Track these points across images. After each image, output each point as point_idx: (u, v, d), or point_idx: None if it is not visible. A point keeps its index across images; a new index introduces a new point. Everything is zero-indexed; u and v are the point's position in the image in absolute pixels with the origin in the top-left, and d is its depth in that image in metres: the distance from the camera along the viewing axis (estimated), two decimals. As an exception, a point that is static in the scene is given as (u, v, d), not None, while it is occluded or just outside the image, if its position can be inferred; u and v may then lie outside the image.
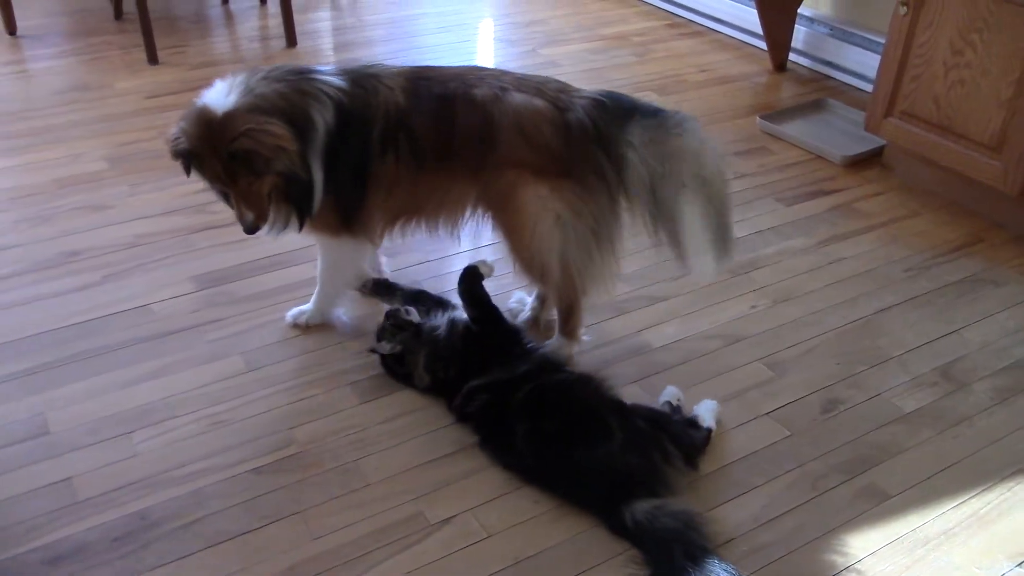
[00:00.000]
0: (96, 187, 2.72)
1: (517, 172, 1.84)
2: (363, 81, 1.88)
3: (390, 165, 1.88)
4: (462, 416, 1.89)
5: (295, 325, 2.16)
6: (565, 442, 1.74)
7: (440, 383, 1.94)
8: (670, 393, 1.93)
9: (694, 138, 1.82)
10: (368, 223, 1.98)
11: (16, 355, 2.04)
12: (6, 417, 1.88)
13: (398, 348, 1.95)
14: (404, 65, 1.96)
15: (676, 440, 1.77)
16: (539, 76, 1.94)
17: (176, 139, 1.78)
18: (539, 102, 1.84)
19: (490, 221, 1.96)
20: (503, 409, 1.81)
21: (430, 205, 1.98)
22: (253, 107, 1.75)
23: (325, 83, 1.84)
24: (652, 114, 1.85)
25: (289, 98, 1.80)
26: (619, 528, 1.66)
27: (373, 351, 1.99)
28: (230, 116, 1.73)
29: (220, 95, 1.77)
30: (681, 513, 1.65)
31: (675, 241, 1.87)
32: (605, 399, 1.83)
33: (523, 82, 1.89)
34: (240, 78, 1.81)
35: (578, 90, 1.90)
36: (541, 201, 1.84)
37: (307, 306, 2.17)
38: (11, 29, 3.78)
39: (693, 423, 1.86)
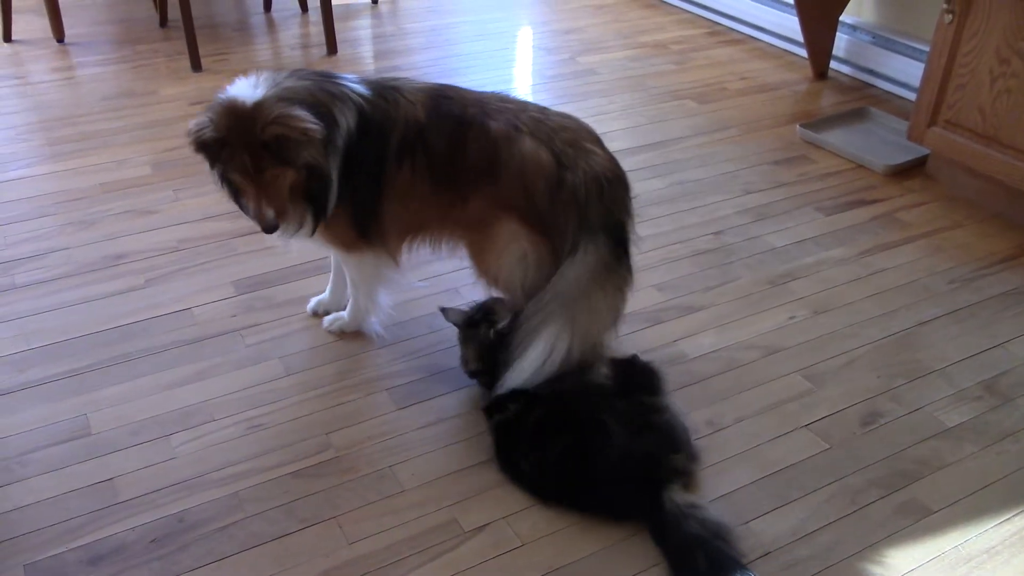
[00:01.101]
0: (140, 192, 2.76)
1: (506, 211, 1.85)
2: (385, 92, 1.89)
3: (406, 176, 1.88)
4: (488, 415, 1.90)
5: (330, 331, 2.18)
6: (578, 458, 1.73)
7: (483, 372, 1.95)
8: None
9: (617, 306, 1.88)
10: (383, 235, 1.98)
11: (60, 356, 2.08)
12: (50, 417, 1.91)
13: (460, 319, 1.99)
14: (427, 82, 1.97)
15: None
16: (560, 117, 1.89)
17: (201, 128, 1.76)
18: (544, 154, 1.81)
19: (463, 242, 1.98)
20: (519, 430, 1.80)
21: (434, 223, 1.98)
22: (283, 98, 1.76)
23: (349, 88, 1.86)
24: (625, 244, 1.85)
25: (316, 95, 1.81)
26: (658, 525, 1.66)
27: (444, 310, 2.04)
28: (261, 105, 1.73)
29: (247, 88, 1.78)
30: (712, 523, 1.65)
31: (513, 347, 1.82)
32: (593, 398, 1.83)
33: (540, 125, 1.84)
34: (265, 75, 1.82)
35: (592, 148, 1.85)
36: (513, 235, 1.86)
37: (343, 313, 2.19)
38: (59, 36, 3.86)
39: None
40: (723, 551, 1.60)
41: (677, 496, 1.68)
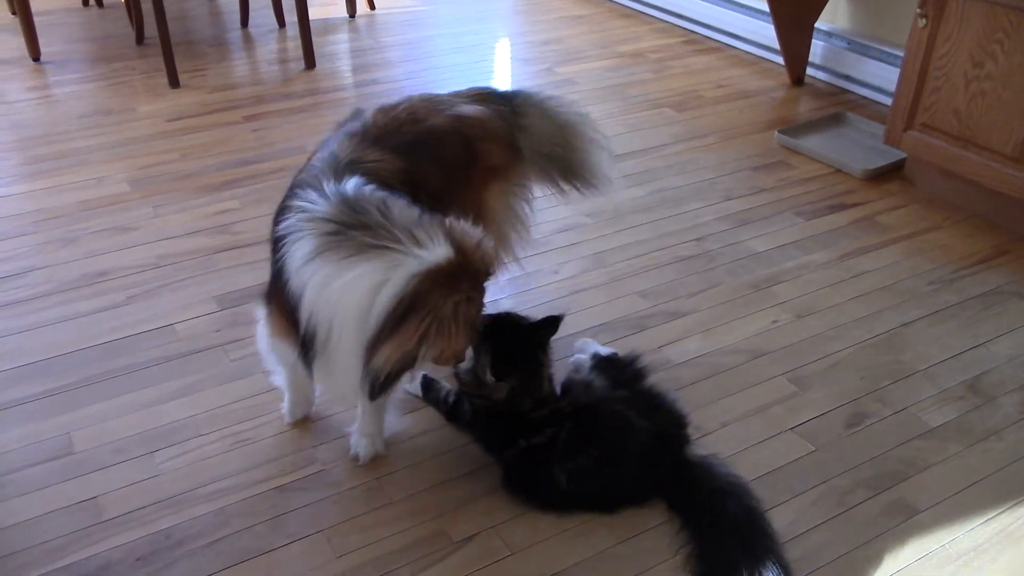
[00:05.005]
0: (120, 209, 2.74)
1: (483, 179, 1.89)
2: (356, 170, 1.64)
3: None
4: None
5: (377, 456, 1.86)
6: (609, 458, 1.74)
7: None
8: (588, 348, 2.07)
9: (572, 111, 2.06)
10: None
11: (42, 375, 2.06)
12: (32, 437, 1.89)
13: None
14: (344, 137, 1.75)
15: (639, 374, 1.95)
16: (429, 94, 1.95)
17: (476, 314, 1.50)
18: (479, 106, 1.91)
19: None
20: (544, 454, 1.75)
21: None
22: (450, 234, 1.50)
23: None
24: (531, 95, 2.04)
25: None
26: (686, 476, 1.76)
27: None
28: (458, 258, 1.46)
29: (423, 254, 1.44)
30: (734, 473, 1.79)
31: (588, 179, 2.07)
32: (603, 395, 1.85)
33: (438, 97, 1.92)
34: (384, 233, 1.46)
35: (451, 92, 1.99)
36: (502, 193, 1.94)
37: (359, 437, 1.86)
38: (35, 55, 3.84)
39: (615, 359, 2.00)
40: (751, 501, 1.70)
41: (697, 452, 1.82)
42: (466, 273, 1.46)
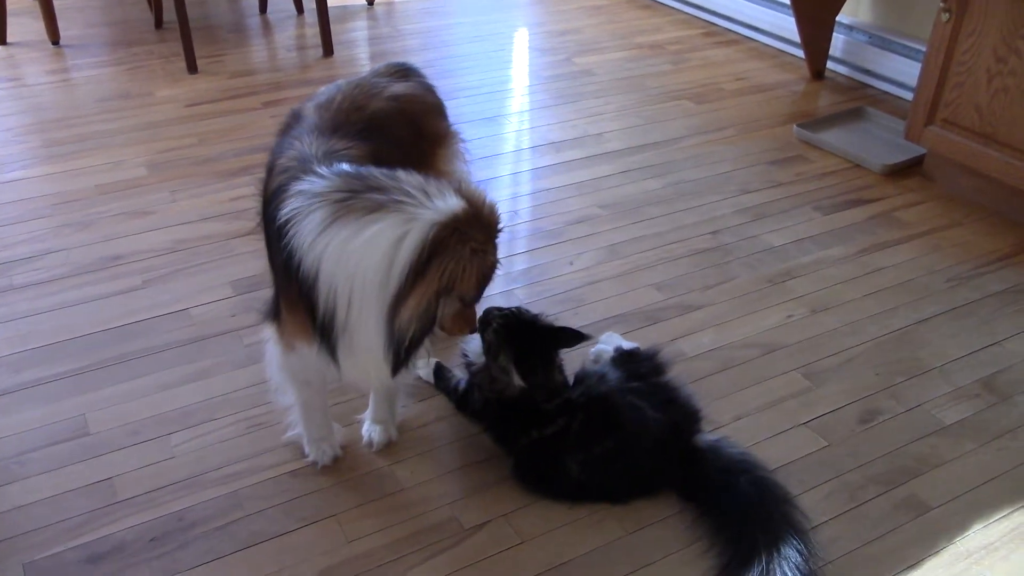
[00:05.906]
0: (137, 193, 2.76)
1: (431, 149, 1.97)
2: (337, 158, 1.63)
3: None
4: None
5: (381, 445, 1.88)
6: (621, 449, 1.74)
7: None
8: (612, 340, 2.07)
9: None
10: None
11: (58, 357, 2.08)
12: (48, 418, 1.91)
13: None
14: (302, 134, 1.70)
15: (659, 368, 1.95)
16: (362, 78, 1.95)
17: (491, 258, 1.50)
18: (406, 82, 1.98)
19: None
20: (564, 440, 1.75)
21: None
22: (457, 188, 1.50)
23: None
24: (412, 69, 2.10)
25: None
26: (695, 463, 1.76)
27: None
28: (472, 198, 1.46)
29: (439, 205, 1.42)
30: (748, 453, 1.80)
31: None
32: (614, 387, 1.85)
33: (369, 80, 1.93)
34: (397, 192, 1.44)
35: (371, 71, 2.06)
36: (448, 158, 2.03)
37: (371, 424, 1.89)
38: (55, 39, 3.86)
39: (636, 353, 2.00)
40: (767, 477, 1.72)
41: (706, 437, 1.82)
42: (480, 224, 1.45)
